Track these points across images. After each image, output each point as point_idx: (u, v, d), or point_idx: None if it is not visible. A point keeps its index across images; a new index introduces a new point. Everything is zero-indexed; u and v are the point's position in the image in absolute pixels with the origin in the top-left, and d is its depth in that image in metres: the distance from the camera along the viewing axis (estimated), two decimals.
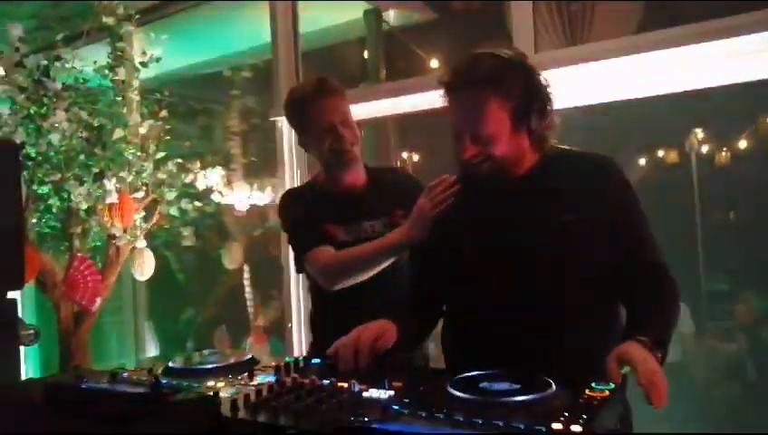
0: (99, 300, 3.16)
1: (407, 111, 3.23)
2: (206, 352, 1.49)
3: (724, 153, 6.91)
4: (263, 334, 4.88)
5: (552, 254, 1.37)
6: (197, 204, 3.60)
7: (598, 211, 1.38)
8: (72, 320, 3.40)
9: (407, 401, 1.04)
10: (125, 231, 3.31)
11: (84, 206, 3.28)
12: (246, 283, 5.04)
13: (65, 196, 3.24)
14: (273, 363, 1.35)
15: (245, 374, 1.29)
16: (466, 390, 1.05)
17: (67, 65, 3.07)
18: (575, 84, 2.67)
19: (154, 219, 3.49)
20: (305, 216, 1.90)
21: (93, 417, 1.00)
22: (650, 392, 1.10)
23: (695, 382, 4.81)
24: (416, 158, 7.39)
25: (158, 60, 3.39)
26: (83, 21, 3.49)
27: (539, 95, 1.39)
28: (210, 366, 1.34)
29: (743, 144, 6.60)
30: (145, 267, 3.48)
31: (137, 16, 3.34)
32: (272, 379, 1.23)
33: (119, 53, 3.32)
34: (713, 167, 7.25)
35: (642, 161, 8.38)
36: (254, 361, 1.40)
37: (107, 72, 3.30)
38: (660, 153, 8.30)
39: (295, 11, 3.46)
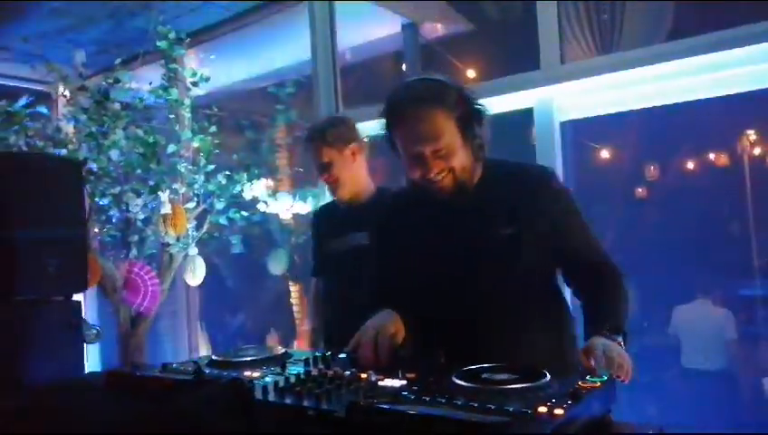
0: (157, 304, 3.40)
1: None
2: (246, 347, 1.65)
3: None
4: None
5: (498, 262, 1.54)
6: (244, 213, 3.82)
7: (537, 220, 1.53)
8: (130, 322, 3.66)
9: (415, 388, 1.17)
10: (178, 239, 3.55)
11: (141, 216, 3.54)
12: (292, 288, 5.26)
13: (124, 207, 3.51)
14: (305, 357, 1.50)
15: (279, 366, 1.44)
16: (469, 379, 1.17)
17: (126, 86, 3.34)
18: (612, 92, 2.73)
19: (204, 228, 3.72)
20: (315, 240, 2.53)
21: (146, 398, 1.17)
22: (611, 368, 1.24)
23: (744, 389, 4.72)
24: None
25: (207, 79, 3.63)
26: (139, 45, 3.78)
27: (473, 104, 1.51)
28: (248, 358, 1.50)
29: None
30: (197, 273, 3.71)
31: (187, 40, 3.58)
32: (301, 370, 1.38)
33: (171, 75, 3.56)
34: (766, 168, 7.07)
35: (691, 165, 8.21)
36: (287, 355, 1.55)
37: (161, 92, 3.55)
38: (711, 156, 8.12)
39: (333, 27, 3.64)
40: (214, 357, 1.54)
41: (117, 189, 3.40)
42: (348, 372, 1.31)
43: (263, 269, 4.64)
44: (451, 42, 4.65)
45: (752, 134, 7.32)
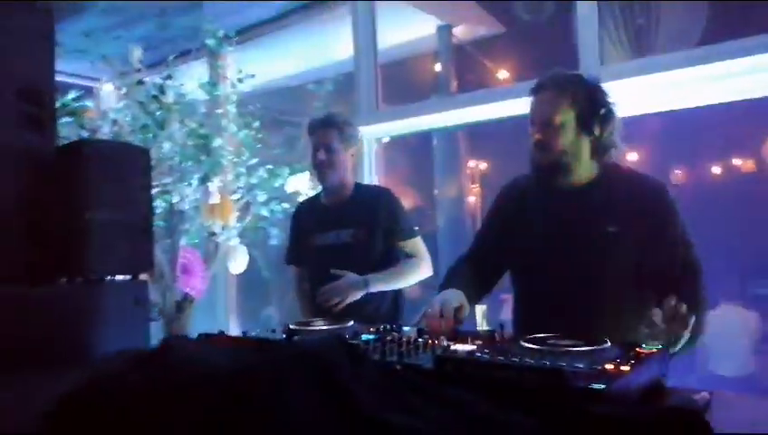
0: (205, 288, 3.56)
1: (476, 120, 3.50)
2: (315, 320, 1.80)
3: None
4: None
5: (597, 256, 1.70)
6: (285, 205, 3.97)
7: (642, 227, 1.67)
8: (174, 308, 3.81)
9: (487, 351, 1.29)
10: (223, 229, 3.71)
11: (186, 206, 3.70)
12: None
13: (168, 198, 3.67)
14: (372, 329, 1.63)
15: (352, 334, 1.57)
16: (536, 344, 1.30)
17: (176, 83, 3.50)
18: (644, 94, 2.83)
19: (248, 218, 3.88)
20: (294, 231, 2.75)
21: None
22: (674, 322, 1.34)
23: None
24: (483, 166, 7.57)
25: (252, 76, 3.78)
26: (183, 43, 3.94)
27: (601, 107, 1.74)
28: (323, 327, 1.64)
29: None
30: (239, 262, 3.87)
31: (235, 38, 3.74)
32: (374, 337, 1.51)
33: (219, 72, 3.72)
34: None
35: (717, 170, 8.21)
36: (356, 326, 1.69)
37: (209, 88, 3.71)
38: (737, 161, 8.13)
39: (375, 27, 3.79)
40: (291, 326, 1.69)
41: (168, 180, 3.55)
42: (420, 339, 1.45)
43: None
44: (483, 43, 4.78)
45: None
